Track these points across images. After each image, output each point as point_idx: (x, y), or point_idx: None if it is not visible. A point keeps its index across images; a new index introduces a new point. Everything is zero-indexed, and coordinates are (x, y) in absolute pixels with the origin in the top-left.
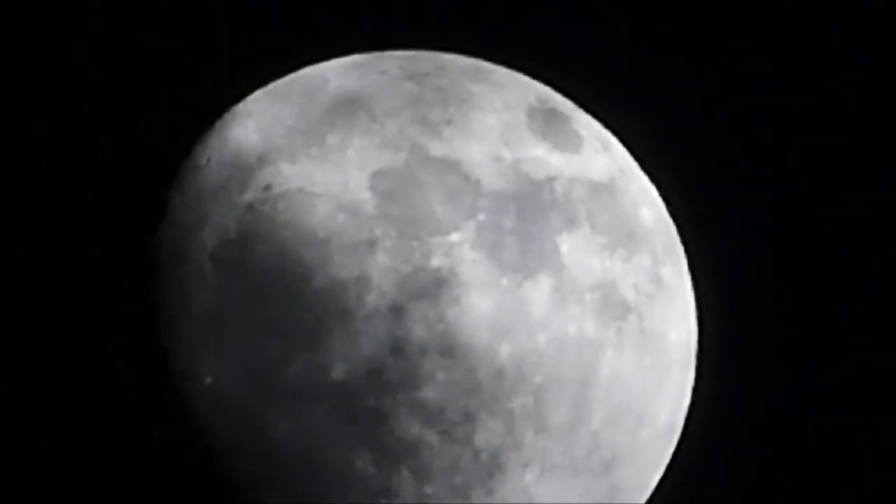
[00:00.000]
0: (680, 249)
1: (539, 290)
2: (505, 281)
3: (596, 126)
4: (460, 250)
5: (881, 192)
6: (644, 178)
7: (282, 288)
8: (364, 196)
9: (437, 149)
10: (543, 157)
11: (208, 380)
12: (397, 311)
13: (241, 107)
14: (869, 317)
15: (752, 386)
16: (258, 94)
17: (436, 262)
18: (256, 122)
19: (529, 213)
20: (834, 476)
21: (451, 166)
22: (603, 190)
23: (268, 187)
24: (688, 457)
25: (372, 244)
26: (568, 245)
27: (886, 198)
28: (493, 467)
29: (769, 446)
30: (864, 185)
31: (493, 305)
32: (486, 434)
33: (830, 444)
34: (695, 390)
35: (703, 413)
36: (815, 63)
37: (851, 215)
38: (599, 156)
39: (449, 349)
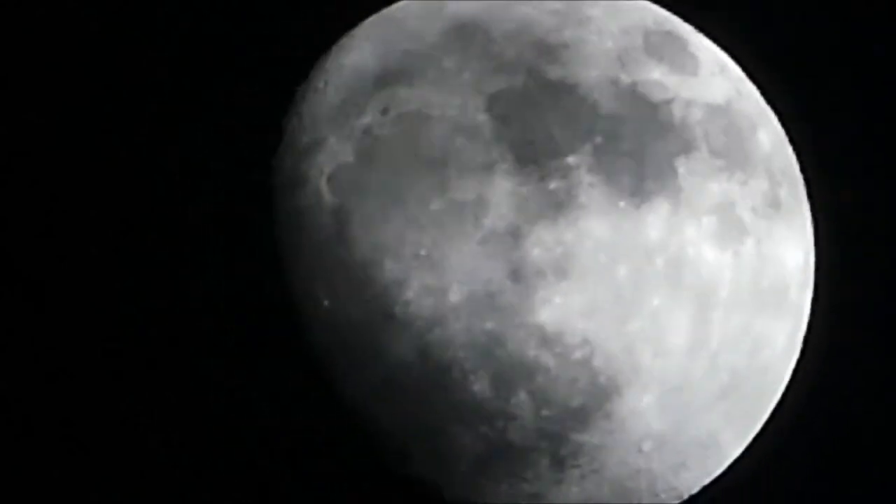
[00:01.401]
0: (797, 172)
1: (656, 213)
2: (622, 204)
3: (713, 48)
4: (577, 173)
5: None
6: (761, 101)
7: (399, 211)
8: (481, 119)
9: (553, 72)
10: (660, 80)
11: (326, 303)
12: (515, 233)
13: (358, 31)
14: None
15: (870, 309)
16: (374, 18)
17: (553, 184)
18: (373, 45)
19: (646, 135)
20: None
21: (567, 89)
22: (720, 112)
23: (385, 110)
24: (805, 382)
25: (489, 167)
26: (685, 168)
27: None
28: (611, 390)
29: (888, 368)
30: None
31: (611, 228)
32: (604, 357)
33: None
34: (812, 313)
35: (821, 337)
36: None
37: None
38: (716, 78)
39: (566, 272)
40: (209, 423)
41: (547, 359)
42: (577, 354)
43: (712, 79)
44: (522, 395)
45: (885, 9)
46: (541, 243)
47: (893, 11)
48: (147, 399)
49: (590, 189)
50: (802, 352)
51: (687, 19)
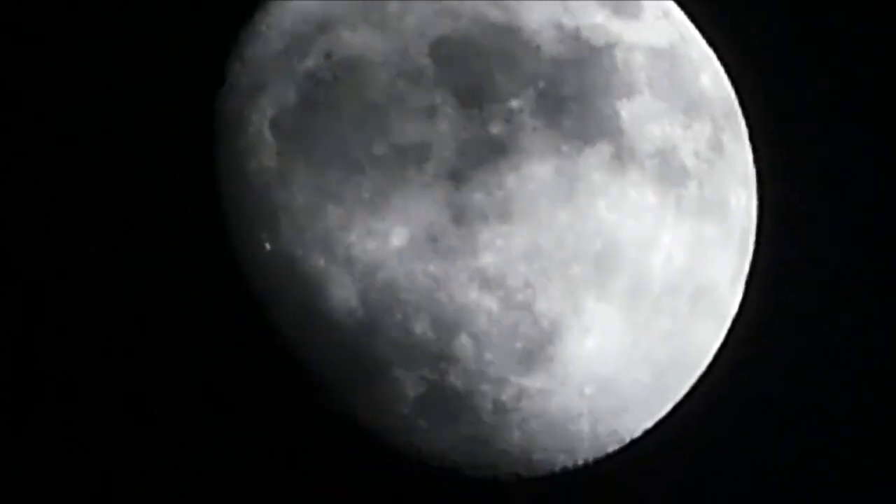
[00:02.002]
0: (740, 116)
1: (599, 157)
2: (564, 147)
3: None
4: (520, 117)
5: None
6: (704, 45)
7: (342, 155)
8: (424, 63)
9: (497, 16)
10: (604, 24)
11: (268, 246)
12: (457, 177)
13: None
14: None
15: (812, 253)
16: None
17: (496, 129)
18: None
19: (589, 79)
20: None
21: (511, 33)
22: (663, 56)
23: (328, 55)
24: (749, 324)
25: (432, 111)
26: (628, 112)
27: None
28: (553, 334)
29: (832, 316)
30: None
31: (553, 172)
32: (547, 301)
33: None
34: (755, 257)
35: (764, 280)
36: None
37: None
38: (659, 22)
39: (508, 215)
40: (149, 366)
41: (489, 302)
42: (520, 298)
43: (656, 23)
44: (464, 339)
45: None
46: (483, 187)
47: None
48: (93, 342)
49: (532, 133)
50: (745, 294)
51: None
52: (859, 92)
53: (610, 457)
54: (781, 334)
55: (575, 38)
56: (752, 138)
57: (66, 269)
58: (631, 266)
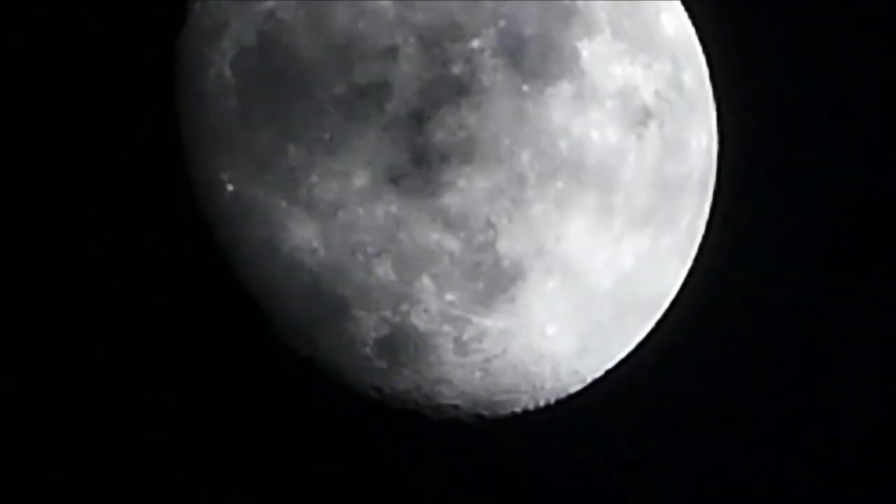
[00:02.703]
0: (701, 56)
1: (560, 96)
2: (526, 87)
3: None
4: (481, 57)
5: None
6: None
7: (302, 95)
8: (385, 3)
9: None
10: None
11: (230, 187)
12: (418, 117)
13: None
14: None
15: (772, 192)
16: None
17: (457, 68)
18: None
19: (550, 19)
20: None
21: None
22: None
23: None
24: (709, 263)
25: (393, 51)
26: (588, 51)
27: None
28: (515, 274)
29: (788, 256)
30: None
31: (515, 111)
32: (508, 241)
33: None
34: (715, 197)
35: (723, 221)
36: None
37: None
38: None
39: (470, 155)
40: (114, 309)
41: (450, 243)
42: (481, 238)
43: None
44: (426, 280)
45: None
46: (444, 127)
47: None
48: (63, 287)
49: (493, 72)
50: (706, 235)
51: None
52: (821, 40)
53: (571, 397)
54: (739, 278)
55: None
56: (712, 78)
57: (32, 214)
58: (593, 205)
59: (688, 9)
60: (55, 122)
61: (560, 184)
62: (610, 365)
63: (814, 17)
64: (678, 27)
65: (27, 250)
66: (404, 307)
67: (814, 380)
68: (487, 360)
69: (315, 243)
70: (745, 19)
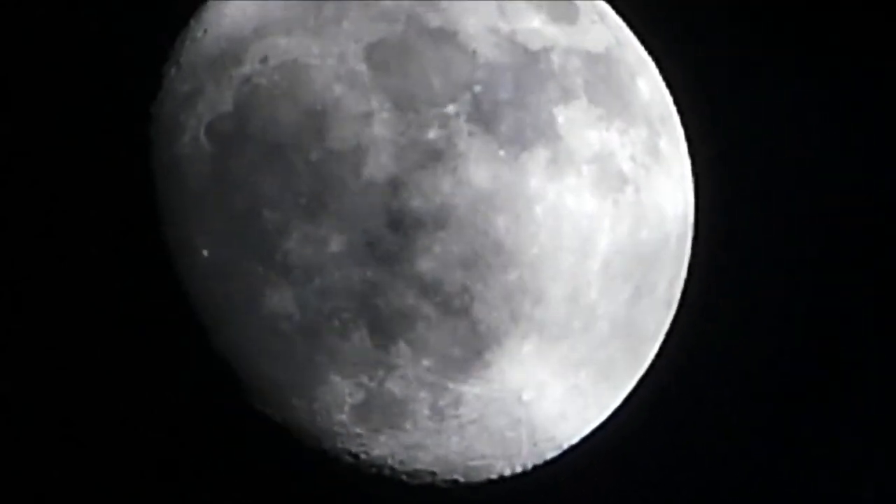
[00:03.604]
0: (676, 120)
1: (536, 162)
2: (501, 153)
3: None
4: (457, 122)
5: None
6: (640, 49)
7: (278, 160)
8: (360, 68)
9: (433, 20)
10: (539, 29)
11: (205, 252)
12: (394, 183)
13: None
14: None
15: (749, 259)
16: None
17: (432, 133)
18: None
19: (526, 84)
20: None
21: (447, 37)
22: (599, 60)
23: (264, 59)
24: (685, 330)
25: (368, 116)
26: (564, 116)
27: None
28: (490, 340)
29: (764, 320)
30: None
31: (490, 177)
32: (484, 306)
33: (830, 321)
34: (692, 262)
35: (700, 285)
36: None
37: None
38: (595, 26)
39: (445, 221)
40: (82, 373)
41: (426, 308)
42: (457, 303)
43: (592, 27)
44: (402, 345)
45: None
46: (420, 193)
47: None
48: (24, 349)
49: (469, 138)
50: (682, 301)
51: None
52: (798, 95)
53: (548, 463)
54: (718, 341)
55: (511, 42)
56: (688, 142)
57: (8, 278)
58: (568, 272)
59: (663, 71)
60: (31, 185)
61: (535, 250)
62: (587, 431)
63: (790, 79)
64: (654, 91)
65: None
66: (380, 372)
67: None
68: (463, 426)
69: (291, 308)
70: (718, 79)
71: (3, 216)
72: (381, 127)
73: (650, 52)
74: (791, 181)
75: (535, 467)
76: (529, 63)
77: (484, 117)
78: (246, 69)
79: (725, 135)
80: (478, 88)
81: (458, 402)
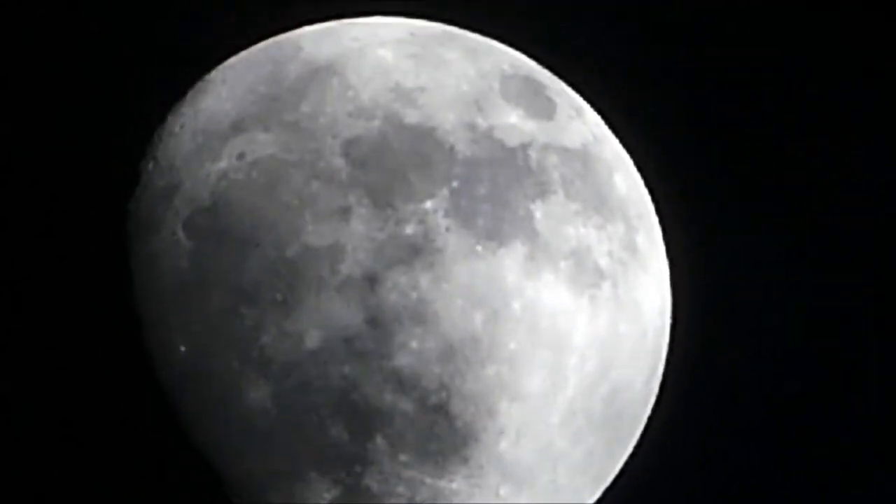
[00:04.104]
0: (654, 217)
1: (513, 258)
2: (479, 248)
3: (569, 92)
4: (434, 218)
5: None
6: (617, 145)
7: (255, 256)
8: (338, 164)
9: (410, 115)
10: (517, 124)
11: (182, 348)
12: (371, 279)
13: (214, 74)
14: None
15: (726, 355)
16: (231, 61)
17: (410, 229)
18: (229, 89)
19: (503, 180)
20: (806, 455)
21: (424, 133)
22: (576, 157)
23: (241, 155)
24: (663, 425)
25: (346, 212)
26: (542, 212)
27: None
28: (468, 435)
29: (743, 415)
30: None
31: (468, 273)
32: (462, 402)
33: (804, 419)
34: (669, 358)
35: (679, 380)
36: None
37: (819, 183)
38: (573, 122)
39: (423, 317)
40: (58, 467)
41: (404, 404)
42: (434, 399)
43: (569, 123)
44: (379, 440)
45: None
46: (397, 289)
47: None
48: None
49: (447, 233)
50: (659, 395)
51: (544, 63)
52: (776, 190)
53: None
54: (696, 434)
55: (488, 137)
56: (665, 238)
57: None
58: (545, 367)
59: (639, 168)
60: (12, 277)
61: (513, 345)
62: None
63: (772, 173)
64: (631, 187)
65: None
66: (357, 468)
67: None
68: None
69: (268, 404)
70: (695, 175)
71: None
72: (359, 223)
73: (627, 149)
74: (772, 280)
75: None
76: (507, 159)
77: (461, 213)
78: (223, 164)
79: (703, 230)
80: (455, 184)
81: (435, 497)
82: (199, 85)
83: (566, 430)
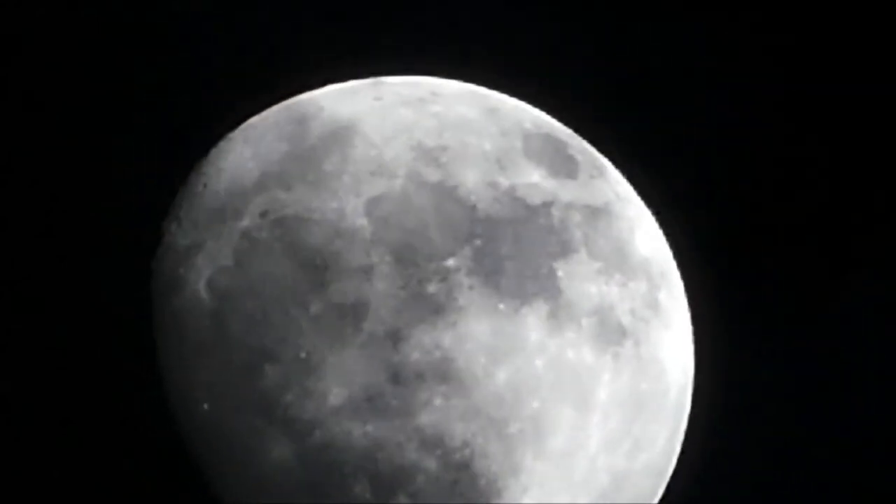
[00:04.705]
0: (676, 274)
1: (536, 316)
2: (502, 306)
3: (591, 151)
4: (457, 276)
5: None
6: (639, 203)
7: (278, 314)
8: (360, 222)
9: (432, 174)
10: (539, 183)
11: (205, 405)
12: (394, 337)
13: (237, 133)
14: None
15: (750, 409)
16: (254, 120)
17: (432, 287)
18: (252, 148)
19: (525, 238)
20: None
21: (446, 192)
22: (599, 215)
23: (264, 214)
24: (685, 481)
25: (368, 270)
26: (564, 271)
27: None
28: (491, 493)
29: (768, 471)
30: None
31: (490, 331)
32: (485, 460)
33: (833, 469)
34: (692, 415)
35: (701, 438)
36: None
37: (850, 240)
38: (595, 181)
39: (446, 375)
40: None
41: (427, 462)
42: (457, 457)
43: (591, 181)
44: (402, 499)
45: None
46: (420, 347)
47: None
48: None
49: (469, 291)
50: (683, 451)
51: (566, 122)
52: (796, 243)
53: None
54: (721, 488)
55: (511, 196)
56: (688, 295)
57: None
58: (568, 424)
59: (662, 226)
60: (33, 334)
61: (536, 403)
62: None
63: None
64: (653, 245)
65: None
66: None
67: None
68: None
69: (291, 462)
70: (717, 233)
71: (8, 369)
72: (382, 281)
73: (650, 207)
74: (797, 332)
75: None
76: (529, 217)
77: (484, 271)
78: (246, 223)
79: (726, 288)
80: (478, 242)
81: None
82: (222, 144)
83: (590, 488)
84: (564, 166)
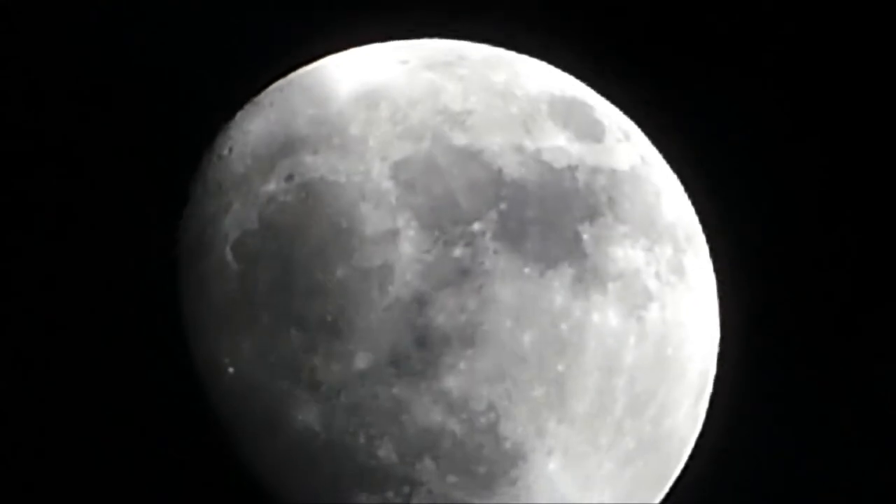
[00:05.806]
0: (701, 238)
1: (561, 280)
2: (527, 270)
3: (617, 115)
4: (482, 240)
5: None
6: (665, 167)
7: (304, 278)
8: (386, 186)
9: (458, 138)
10: (565, 147)
11: (231, 369)
12: (420, 300)
13: (263, 97)
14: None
15: (773, 378)
16: (280, 84)
17: (458, 251)
18: (278, 112)
19: (551, 202)
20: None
21: (472, 156)
22: (625, 179)
23: (290, 177)
24: (709, 448)
25: (394, 234)
26: (590, 234)
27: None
28: (516, 456)
29: (790, 439)
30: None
31: (516, 294)
32: (510, 423)
33: (853, 444)
34: (716, 380)
35: (725, 404)
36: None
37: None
38: (621, 144)
39: (471, 338)
40: (110, 486)
41: (452, 425)
42: (483, 420)
43: (617, 145)
44: (428, 462)
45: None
46: (446, 310)
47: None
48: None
49: (495, 256)
50: (707, 417)
51: (593, 85)
52: (820, 213)
53: None
54: (745, 456)
55: (536, 160)
56: (713, 260)
57: (31, 400)
58: (594, 388)
59: (687, 189)
60: (61, 302)
61: (561, 367)
62: None
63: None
64: (678, 209)
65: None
66: (406, 489)
67: None
68: None
69: (317, 425)
70: (743, 197)
71: (34, 338)
72: (408, 245)
73: (675, 171)
74: (818, 302)
75: None
76: (555, 181)
77: (509, 235)
78: (271, 187)
79: (750, 251)
80: (503, 206)
81: None
82: (248, 108)
83: (615, 451)
84: (591, 130)
